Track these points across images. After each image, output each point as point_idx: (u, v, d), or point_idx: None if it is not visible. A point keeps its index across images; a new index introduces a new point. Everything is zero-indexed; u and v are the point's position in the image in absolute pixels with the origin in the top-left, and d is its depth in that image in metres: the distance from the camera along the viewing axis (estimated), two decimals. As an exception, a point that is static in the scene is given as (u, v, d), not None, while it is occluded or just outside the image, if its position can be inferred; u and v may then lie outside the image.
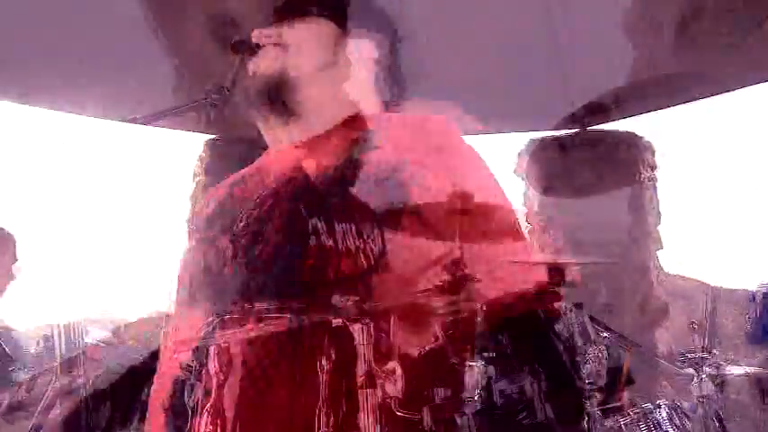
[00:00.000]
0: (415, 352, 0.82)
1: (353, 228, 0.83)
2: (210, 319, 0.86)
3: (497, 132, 3.12)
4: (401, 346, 0.81)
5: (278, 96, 0.98)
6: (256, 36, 1.03)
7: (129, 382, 1.03)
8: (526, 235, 0.98)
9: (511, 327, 0.88)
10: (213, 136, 3.69)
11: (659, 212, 4.81)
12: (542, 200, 3.42)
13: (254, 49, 1.02)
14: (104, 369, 1.19)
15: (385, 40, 1.08)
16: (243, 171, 1.06)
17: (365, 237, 0.82)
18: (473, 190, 0.88)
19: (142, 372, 1.04)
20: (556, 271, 0.99)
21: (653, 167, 4.80)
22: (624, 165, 4.49)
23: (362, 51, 1.05)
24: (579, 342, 0.80)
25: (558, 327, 0.79)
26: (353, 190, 0.86)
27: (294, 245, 0.85)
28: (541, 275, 0.95)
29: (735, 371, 3.12)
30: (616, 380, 2.83)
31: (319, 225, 0.84)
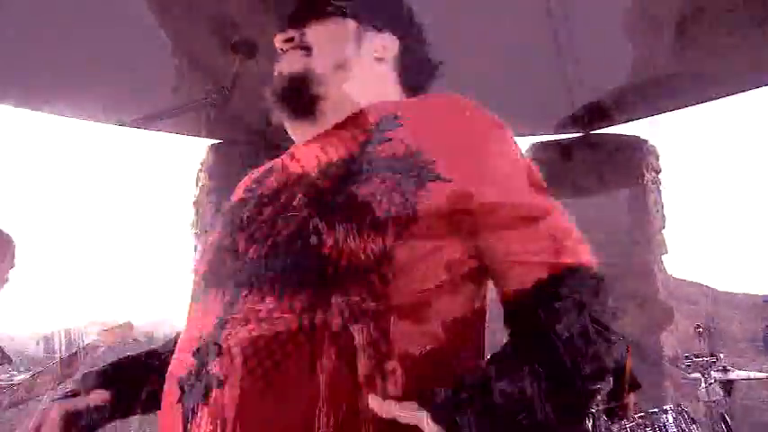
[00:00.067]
0: (415, 352, 0.81)
1: (356, 226, 0.82)
2: (212, 318, 0.86)
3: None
4: (401, 346, 0.80)
5: (303, 94, 1.00)
6: (278, 42, 1.05)
7: (129, 381, 1.02)
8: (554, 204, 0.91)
9: (511, 326, 0.87)
10: (216, 141, 3.69)
11: (664, 216, 4.78)
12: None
13: (253, 50, 1.02)
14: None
15: (405, 35, 1.09)
16: (267, 164, 1.07)
17: (368, 235, 0.81)
18: (491, 181, 0.85)
19: (142, 371, 1.04)
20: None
21: (657, 171, 4.77)
22: (627, 168, 4.47)
23: (381, 47, 1.06)
24: (580, 342, 0.79)
25: (559, 327, 0.78)
26: (360, 186, 0.85)
27: (296, 243, 0.84)
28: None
29: (742, 375, 3.09)
30: (620, 381, 2.81)
31: (321, 224, 0.83)
